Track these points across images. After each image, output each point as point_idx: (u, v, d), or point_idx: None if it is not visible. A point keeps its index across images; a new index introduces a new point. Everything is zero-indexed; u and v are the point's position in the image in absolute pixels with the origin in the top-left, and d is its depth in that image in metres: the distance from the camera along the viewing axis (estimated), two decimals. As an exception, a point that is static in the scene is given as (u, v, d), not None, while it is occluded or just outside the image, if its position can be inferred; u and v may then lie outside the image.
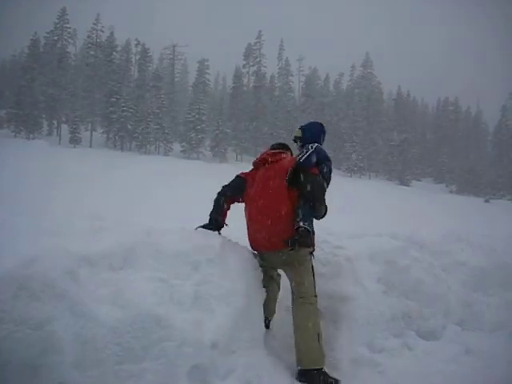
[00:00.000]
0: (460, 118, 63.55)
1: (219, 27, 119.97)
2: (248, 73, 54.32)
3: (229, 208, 3.09)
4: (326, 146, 3.37)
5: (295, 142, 3.27)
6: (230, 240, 2.94)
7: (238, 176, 3.13)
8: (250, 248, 3.01)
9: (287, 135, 44.32)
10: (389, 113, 57.07)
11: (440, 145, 59.01)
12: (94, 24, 46.71)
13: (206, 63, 51.93)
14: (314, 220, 2.91)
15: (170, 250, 2.52)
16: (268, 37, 54.49)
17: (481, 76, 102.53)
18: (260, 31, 54.63)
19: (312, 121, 3.42)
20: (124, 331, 2.08)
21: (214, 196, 3.09)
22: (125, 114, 43.20)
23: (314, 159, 2.93)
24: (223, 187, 3.10)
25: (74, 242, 2.29)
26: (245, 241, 3.02)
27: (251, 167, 3.13)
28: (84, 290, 2.08)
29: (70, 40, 49.17)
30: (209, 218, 3.03)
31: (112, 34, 47.16)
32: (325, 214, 2.96)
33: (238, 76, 51.89)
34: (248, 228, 2.98)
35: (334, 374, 2.73)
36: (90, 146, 41.75)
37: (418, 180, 54.27)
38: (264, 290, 2.92)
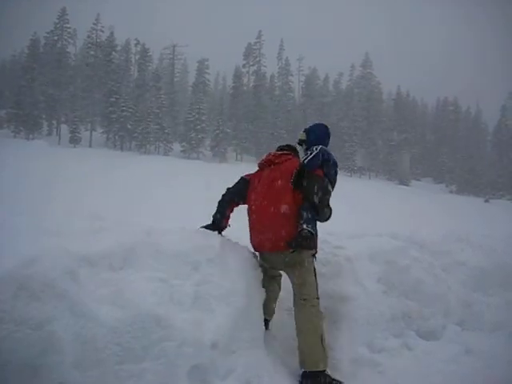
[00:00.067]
0: (460, 118, 63.41)
1: (219, 27, 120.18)
2: (248, 73, 54.36)
3: (232, 211, 3.10)
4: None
5: (300, 144, 3.22)
6: (229, 240, 2.95)
7: (242, 178, 3.13)
8: (252, 249, 3.01)
9: (287, 135, 44.41)
10: (388, 113, 56.98)
11: (440, 145, 58.99)
12: (94, 24, 46.73)
13: (206, 63, 52.02)
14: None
15: (170, 250, 2.52)
16: (268, 37, 54.69)
17: (480, 76, 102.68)
18: (260, 31, 54.76)
19: (317, 122, 3.34)
20: (124, 331, 2.08)
21: (214, 196, 3.10)
22: (124, 113, 43.21)
23: (319, 161, 2.90)
24: (227, 189, 3.11)
25: (74, 242, 2.29)
26: (245, 241, 3.01)
27: (251, 167, 3.13)
28: (84, 290, 2.08)
29: (69, 40, 49.10)
30: (212, 219, 3.05)
31: (112, 33, 47.17)
32: (329, 216, 2.92)
33: (237, 76, 51.87)
34: (251, 229, 2.97)
35: (334, 374, 2.74)
36: (90, 146, 41.77)
37: (418, 180, 54.29)
38: (264, 290, 2.91)
